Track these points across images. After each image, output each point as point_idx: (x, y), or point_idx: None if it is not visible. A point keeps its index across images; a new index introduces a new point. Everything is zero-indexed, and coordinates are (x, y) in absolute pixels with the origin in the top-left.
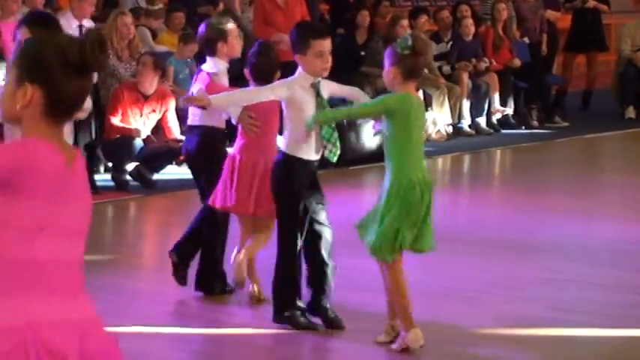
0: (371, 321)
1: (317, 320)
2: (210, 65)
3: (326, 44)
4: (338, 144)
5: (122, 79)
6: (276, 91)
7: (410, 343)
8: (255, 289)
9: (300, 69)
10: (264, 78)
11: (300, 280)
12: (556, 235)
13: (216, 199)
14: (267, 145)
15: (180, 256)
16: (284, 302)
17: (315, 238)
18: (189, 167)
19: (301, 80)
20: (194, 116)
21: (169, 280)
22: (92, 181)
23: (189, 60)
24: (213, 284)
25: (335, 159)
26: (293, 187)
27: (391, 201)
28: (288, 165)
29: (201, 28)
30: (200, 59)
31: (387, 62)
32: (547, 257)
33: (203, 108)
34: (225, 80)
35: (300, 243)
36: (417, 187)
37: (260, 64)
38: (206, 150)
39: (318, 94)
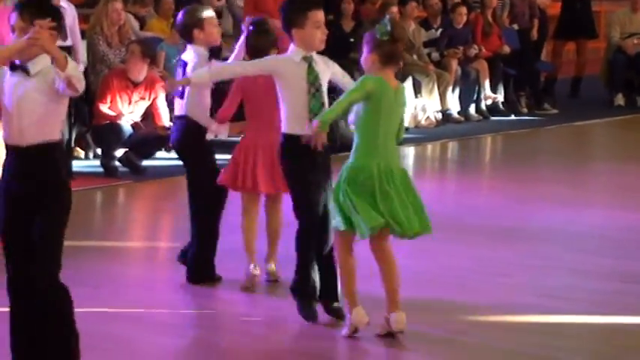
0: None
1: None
2: (190, 53)
3: (322, 15)
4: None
5: (112, 66)
6: (260, 65)
7: (355, 323)
8: (273, 267)
9: (292, 46)
10: (260, 55)
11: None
12: (544, 221)
13: (227, 180)
14: (275, 121)
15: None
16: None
17: (323, 221)
18: (178, 156)
19: (293, 56)
20: (179, 106)
21: (157, 265)
22: (69, 167)
23: (180, 45)
24: (205, 275)
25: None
26: (302, 165)
27: (347, 181)
28: (292, 144)
29: (179, 15)
30: None
31: (365, 48)
32: (535, 244)
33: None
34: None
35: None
36: (375, 175)
37: (256, 42)
38: (190, 140)
39: (309, 66)
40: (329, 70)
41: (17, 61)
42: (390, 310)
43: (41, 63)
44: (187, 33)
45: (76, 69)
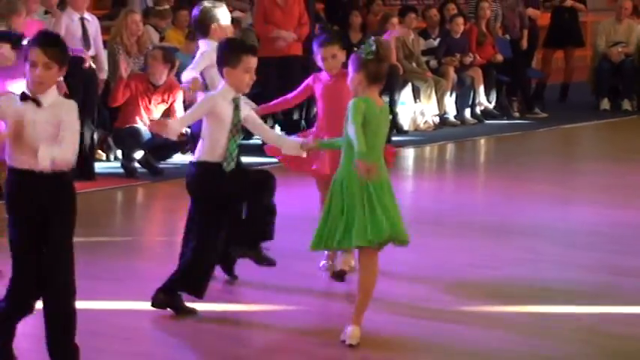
0: (351, 301)
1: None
2: (202, 47)
3: (254, 61)
4: (235, 159)
5: (131, 74)
6: (203, 106)
7: (348, 339)
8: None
9: (223, 83)
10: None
11: None
12: (535, 218)
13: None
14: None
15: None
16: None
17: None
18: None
19: (224, 93)
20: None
21: (174, 260)
22: (91, 169)
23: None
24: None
25: (227, 169)
26: (215, 189)
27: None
28: (205, 170)
29: (195, 11)
30: None
31: (351, 68)
32: (526, 239)
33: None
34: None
35: (221, 235)
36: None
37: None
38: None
39: (236, 108)
40: (244, 114)
41: (27, 92)
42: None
43: (52, 95)
44: (205, 27)
45: (61, 151)
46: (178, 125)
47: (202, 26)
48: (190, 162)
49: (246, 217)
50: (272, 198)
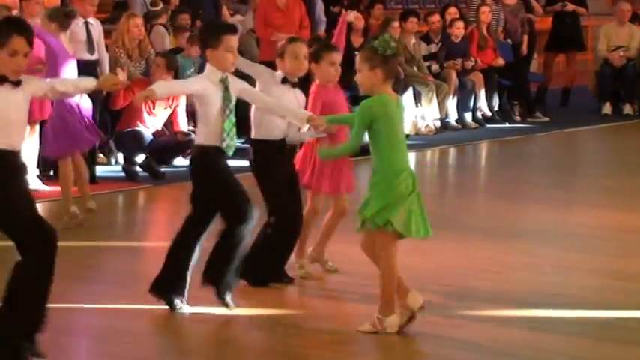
0: (353, 302)
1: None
2: None
3: (235, 40)
4: (235, 139)
5: (132, 77)
6: (189, 84)
7: (388, 328)
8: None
9: (208, 65)
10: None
11: None
12: (537, 222)
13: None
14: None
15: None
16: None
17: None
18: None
19: (210, 75)
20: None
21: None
22: (93, 172)
23: (195, 59)
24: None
25: (230, 152)
26: (215, 174)
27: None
28: (205, 154)
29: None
30: None
31: (365, 65)
32: (528, 243)
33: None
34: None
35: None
36: (402, 177)
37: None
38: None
39: (226, 89)
40: (238, 89)
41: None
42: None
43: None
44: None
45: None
46: (163, 89)
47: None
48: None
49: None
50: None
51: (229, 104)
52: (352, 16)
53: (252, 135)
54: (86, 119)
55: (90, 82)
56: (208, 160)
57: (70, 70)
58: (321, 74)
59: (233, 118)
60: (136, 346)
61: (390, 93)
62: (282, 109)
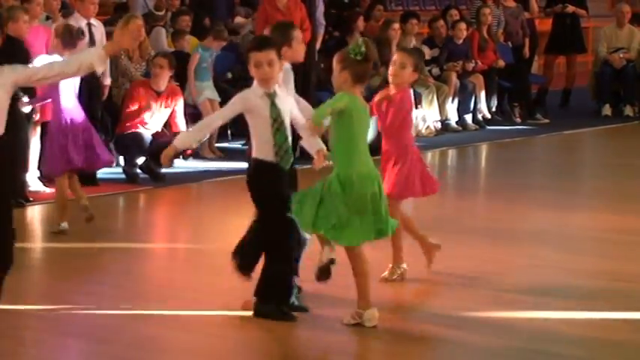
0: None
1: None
2: None
3: (261, 56)
4: (290, 151)
5: (133, 79)
6: (234, 107)
7: (366, 322)
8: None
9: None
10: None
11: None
12: (537, 224)
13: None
14: (404, 138)
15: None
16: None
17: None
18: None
19: (255, 89)
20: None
21: (176, 266)
22: (93, 174)
23: (214, 52)
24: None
25: (286, 166)
26: (270, 189)
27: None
28: (259, 169)
29: (267, 32)
30: None
31: (337, 66)
32: (528, 245)
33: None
34: (289, 78)
35: (290, 241)
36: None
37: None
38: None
39: (272, 104)
40: (291, 104)
41: None
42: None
43: None
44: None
45: None
46: (191, 139)
47: None
48: (248, 157)
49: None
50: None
51: (278, 118)
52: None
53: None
54: (83, 140)
55: (93, 54)
56: (269, 174)
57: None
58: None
59: (286, 132)
60: (135, 349)
61: (359, 96)
62: (311, 143)
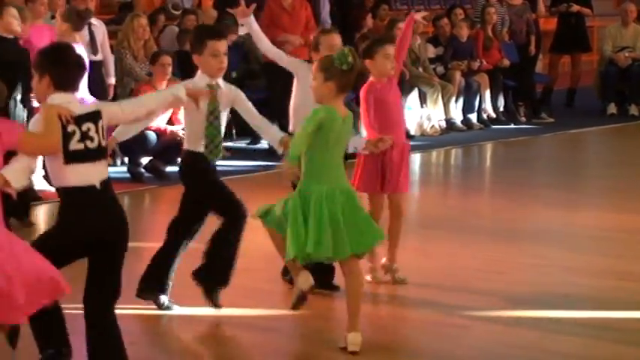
0: (363, 303)
1: None
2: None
3: (221, 45)
4: (220, 147)
5: (138, 78)
6: (174, 92)
7: (349, 346)
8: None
9: (199, 70)
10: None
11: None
12: (542, 223)
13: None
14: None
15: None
16: None
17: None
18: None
19: (197, 81)
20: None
21: (181, 265)
22: None
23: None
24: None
25: (214, 159)
26: (199, 179)
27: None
28: (190, 159)
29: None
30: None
31: (321, 75)
32: (533, 244)
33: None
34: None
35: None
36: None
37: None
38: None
39: (213, 96)
40: (231, 98)
41: None
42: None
43: None
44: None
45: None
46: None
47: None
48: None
49: (209, 256)
50: (239, 241)
51: (214, 111)
52: (420, 16)
53: None
54: None
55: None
56: (194, 164)
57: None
58: (377, 69)
59: (219, 126)
60: (140, 347)
61: (338, 107)
62: (264, 131)
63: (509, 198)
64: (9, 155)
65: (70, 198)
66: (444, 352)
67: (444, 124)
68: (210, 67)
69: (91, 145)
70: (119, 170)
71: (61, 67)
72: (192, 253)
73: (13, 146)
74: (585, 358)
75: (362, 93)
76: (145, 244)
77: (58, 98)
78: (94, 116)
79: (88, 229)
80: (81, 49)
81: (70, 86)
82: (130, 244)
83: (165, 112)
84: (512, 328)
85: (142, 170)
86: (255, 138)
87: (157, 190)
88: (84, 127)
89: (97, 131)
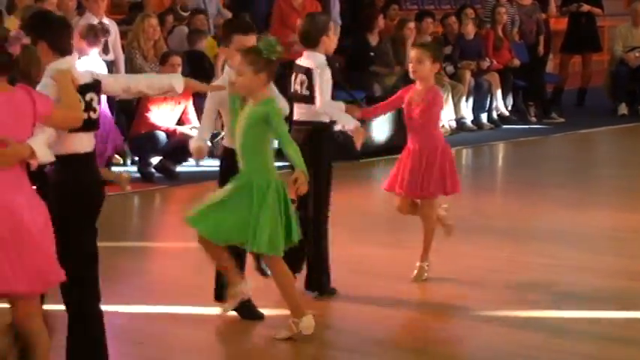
0: (374, 304)
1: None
2: (315, 59)
3: (247, 40)
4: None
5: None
6: (172, 82)
7: (304, 330)
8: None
9: (226, 66)
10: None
11: None
12: (553, 223)
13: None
14: (430, 136)
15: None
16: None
17: None
18: None
19: (225, 76)
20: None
21: (191, 264)
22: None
23: None
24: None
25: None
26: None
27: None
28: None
29: (305, 22)
30: None
31: (249, 69)
32: (544, 244)
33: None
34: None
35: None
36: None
37: None
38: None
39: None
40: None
41: None
42: (297, 317)
43: None
44: (314, 39)
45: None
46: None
47: (313, 37)
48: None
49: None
50: None
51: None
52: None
53: None
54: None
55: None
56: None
57: None
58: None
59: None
60: (149, 347)
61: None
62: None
63: (520, 198)
64: None
65: (67, 161)
66: (455, 352)
67: (454, 124)
68: (236, 60)
69: (93, 115)
70: (129, 169)
71: (57, 31)
72: (192, 253)
73: (44, 119)
74: (597, 358)
75: (430, 96)
76: (154, 244)
77: (63, 63)
78: (96, 86)
79: (81, 185)
80: (94, 54)
81: (68, 50)
82: (140, 244)
83: (159, 96)
84: (522, 327)
85: (153, 170)
86: None
87: (167, 190)
88: (87, 97)
89: (99, 102)
